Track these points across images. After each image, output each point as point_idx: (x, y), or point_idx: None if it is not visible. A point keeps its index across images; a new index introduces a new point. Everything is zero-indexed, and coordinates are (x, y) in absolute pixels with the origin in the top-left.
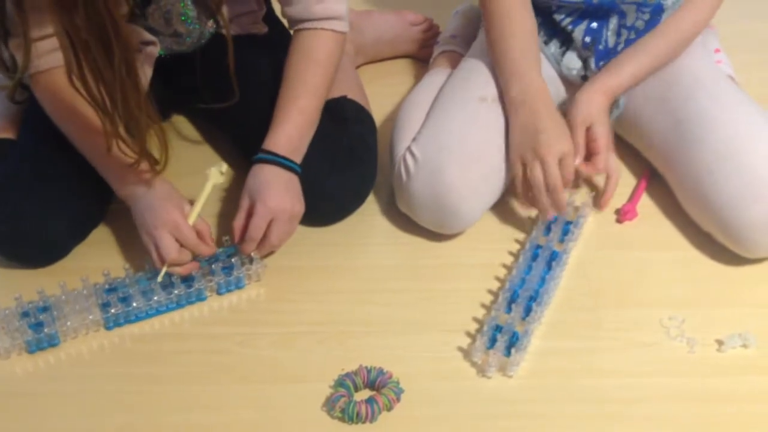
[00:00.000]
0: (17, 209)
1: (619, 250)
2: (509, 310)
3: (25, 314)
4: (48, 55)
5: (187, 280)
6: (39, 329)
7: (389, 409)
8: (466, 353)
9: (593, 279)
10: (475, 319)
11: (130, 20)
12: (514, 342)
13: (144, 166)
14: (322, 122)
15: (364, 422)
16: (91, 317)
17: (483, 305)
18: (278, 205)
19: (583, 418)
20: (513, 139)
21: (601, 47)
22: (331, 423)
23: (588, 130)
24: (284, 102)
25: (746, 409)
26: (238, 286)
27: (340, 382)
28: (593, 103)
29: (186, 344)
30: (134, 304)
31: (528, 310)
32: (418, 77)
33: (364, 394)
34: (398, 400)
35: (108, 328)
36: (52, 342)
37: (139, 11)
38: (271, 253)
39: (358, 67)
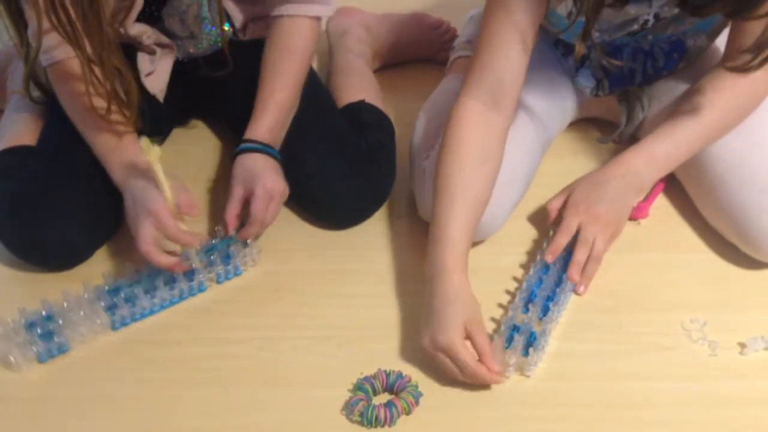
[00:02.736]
0: (35, 216)
1: (638, 252)
2: (526, 310)
3: (31, 325)
4: (61, 46)
5: (188, 273)
6: (49, 338)
7: (408, 412)
8: None
9: (613, 281)
10: (493, 320)
11: (147, 22)
12: (531, 342)
13: (115, 111)
14: (341, 126)
15: (383, 426)
16: (99, 321)
17: (501, 306)
18: (275, 187)
19: (602, 422)
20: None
21: (615, 70)
22: (350, 427)
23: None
24: (263, 95)
25: None
26: (236, 273)
27: (358, 386)
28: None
29: (206, 349)
30: (139, 303)
31: (545, 310)
32: (435, 81)
33: (383, 398)
34: (417, 403)
35: (114, 329)
36: (62, 349)
37: (156, 12)
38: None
39: (375, 71)
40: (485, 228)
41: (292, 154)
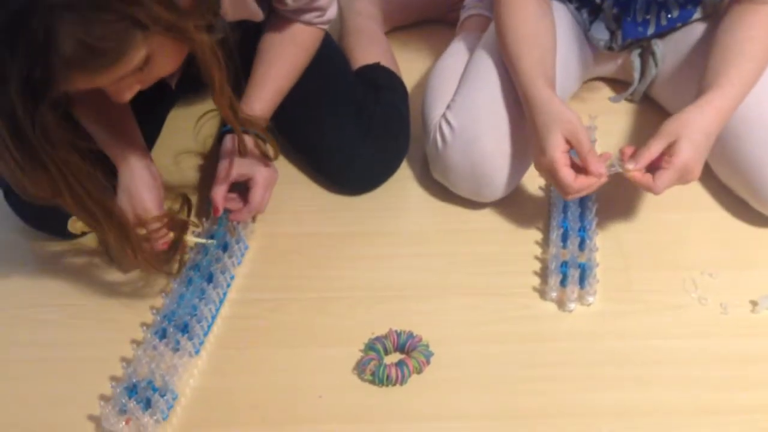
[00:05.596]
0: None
1: (650, 211)
2: (564, 245)
3: (130, 390)
4: None
5: (210, 277)
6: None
7: (419, 372)
8: (495, 316)
9: (624, 241)
10: (537, 258)
11: None
12: (584, 273)
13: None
14: (356, 90)
15: (394, 385)
16: (188, 353)
17: (514, 268)
18: (272, 176)
19: (614, 379)
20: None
21: (629, 19)
22: (362, 386)
23: (671, 145)
24: (266, 79)
25: None
26: (246, 248)
27: (370, 346)
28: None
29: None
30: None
31: (582, 242)
32: (447, 42)
33: (394, 357)
34: (428, 363)
35: (197, 353)
36: (174, 397)
37: None
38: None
39: (385, 33)
40: (499, 188)
41: (307, 118)
